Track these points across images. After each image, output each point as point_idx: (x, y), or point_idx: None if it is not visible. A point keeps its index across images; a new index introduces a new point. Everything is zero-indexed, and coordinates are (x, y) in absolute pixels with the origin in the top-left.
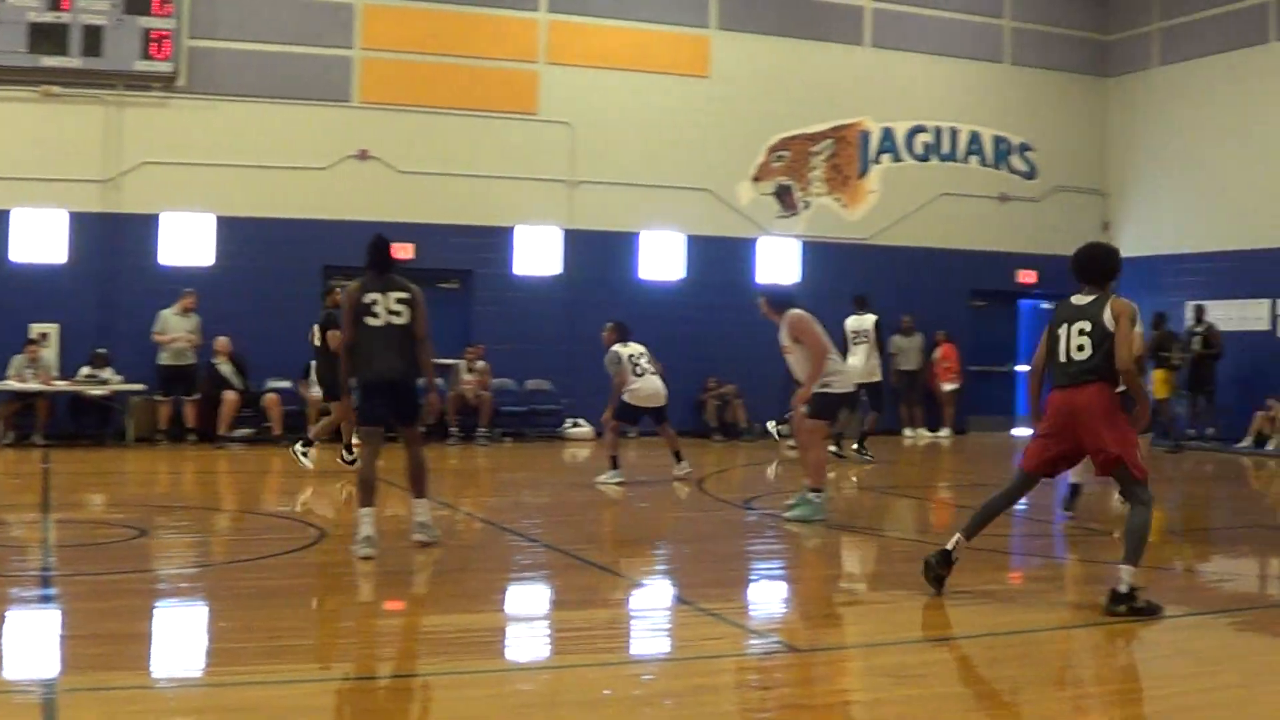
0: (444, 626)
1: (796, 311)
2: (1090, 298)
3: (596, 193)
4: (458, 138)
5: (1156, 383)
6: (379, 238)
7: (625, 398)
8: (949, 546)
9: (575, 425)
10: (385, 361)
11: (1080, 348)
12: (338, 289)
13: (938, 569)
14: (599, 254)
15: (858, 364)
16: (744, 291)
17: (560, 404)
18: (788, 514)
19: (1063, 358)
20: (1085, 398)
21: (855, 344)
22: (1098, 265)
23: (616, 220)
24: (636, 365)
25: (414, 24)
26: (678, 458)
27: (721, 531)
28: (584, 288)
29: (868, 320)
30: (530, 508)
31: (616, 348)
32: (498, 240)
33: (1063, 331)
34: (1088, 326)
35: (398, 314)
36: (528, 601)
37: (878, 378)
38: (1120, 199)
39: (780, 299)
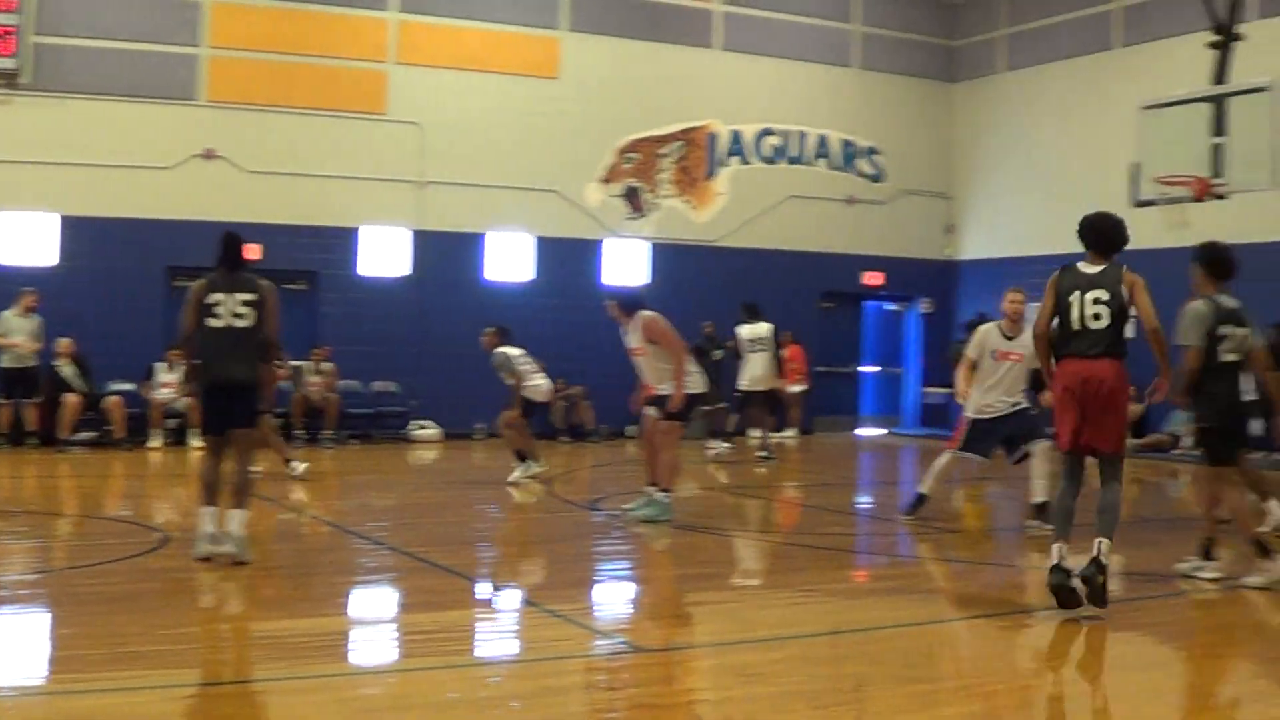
0: (289, 631)
1: (649, 314)
2: (1099, 267)
3: (445, 193)
4: (306, 137)
5: None
6: (230, 235)
7: (529, 395)
8: (1057, 560)
9: (422, 427)
10: (223, 365)
11: (1097, 316)
12: None
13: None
14: (448, 255)
15: (757, 372)
16: (592, 293)
17: (407, 405)
18: (634, 514)
19: (1077, 326)
20: (1102, 370)
21: (752, 352)
22: (1108, 235)
23: (465, 221)
24: (527, 364)
25: (262, 22)
26: (526, 456)
27: (569, 533)
28: (432, 289)
29: (763, 328)
30: (376, 510)
31: (504, 349)
32: (345, 241)
33: (1075, 299)
34: (1105, 296)
35: (241, 316)
36: (374, 605)
37: (776, 384)
38: (965, 202)
39: (631, 301)
